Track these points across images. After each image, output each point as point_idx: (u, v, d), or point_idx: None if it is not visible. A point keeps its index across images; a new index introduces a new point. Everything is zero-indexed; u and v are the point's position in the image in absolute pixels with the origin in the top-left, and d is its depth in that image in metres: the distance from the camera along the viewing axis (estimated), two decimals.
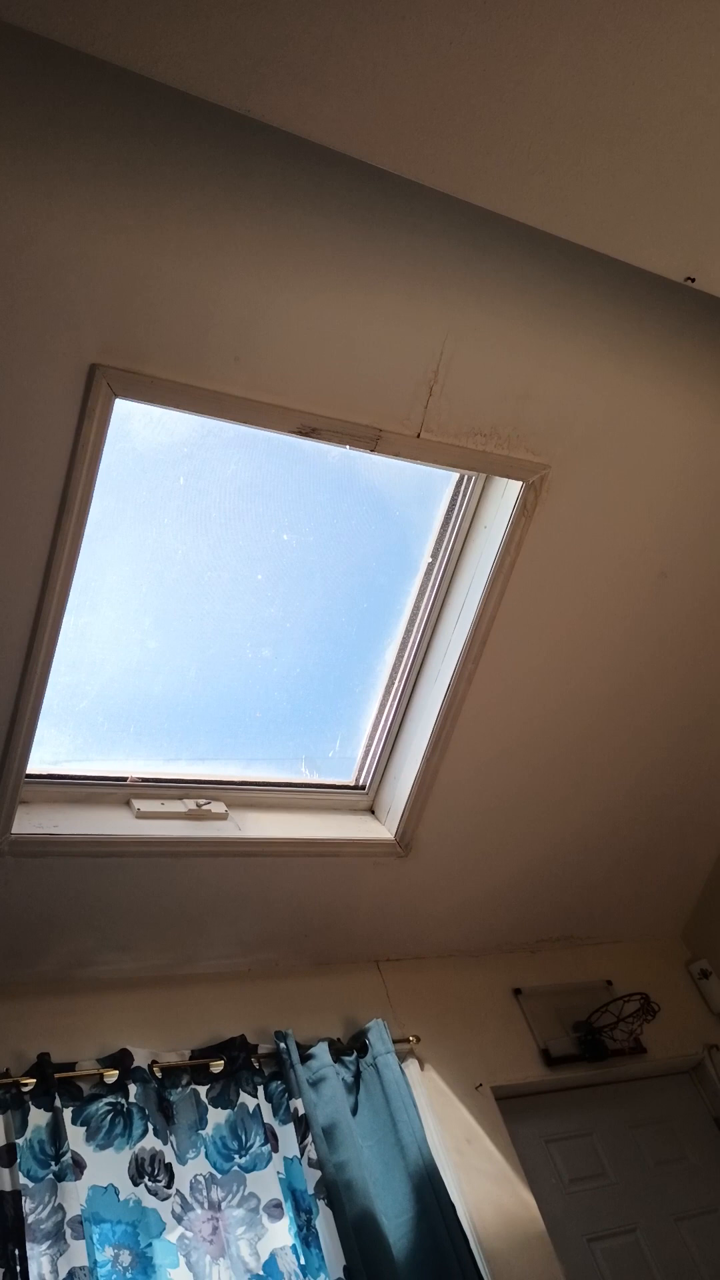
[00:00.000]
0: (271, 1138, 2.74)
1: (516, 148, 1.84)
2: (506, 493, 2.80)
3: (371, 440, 2.49)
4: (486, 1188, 2.97)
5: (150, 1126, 2.62)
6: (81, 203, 1.93)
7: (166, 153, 1.94)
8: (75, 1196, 2.42)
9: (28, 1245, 2.32)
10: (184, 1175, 2.61)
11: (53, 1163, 2.46)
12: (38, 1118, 2.53)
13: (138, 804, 2.90)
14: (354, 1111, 2.88)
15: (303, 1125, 2.73)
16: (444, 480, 2.88)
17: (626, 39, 1.65)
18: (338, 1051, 2.99)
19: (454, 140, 1.83)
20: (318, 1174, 2.64)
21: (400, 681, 3.16)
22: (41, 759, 2.77)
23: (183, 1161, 2.63)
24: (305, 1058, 2.92)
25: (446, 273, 2.31)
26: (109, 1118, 2.62)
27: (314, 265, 2.18)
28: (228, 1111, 2.77)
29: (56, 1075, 2.60)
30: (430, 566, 3.00)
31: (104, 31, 1.61)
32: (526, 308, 2.44)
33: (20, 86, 1.78)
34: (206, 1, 1.56)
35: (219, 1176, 2.66)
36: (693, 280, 2.21)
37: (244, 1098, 2.78)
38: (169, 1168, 2.58)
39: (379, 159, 1.90)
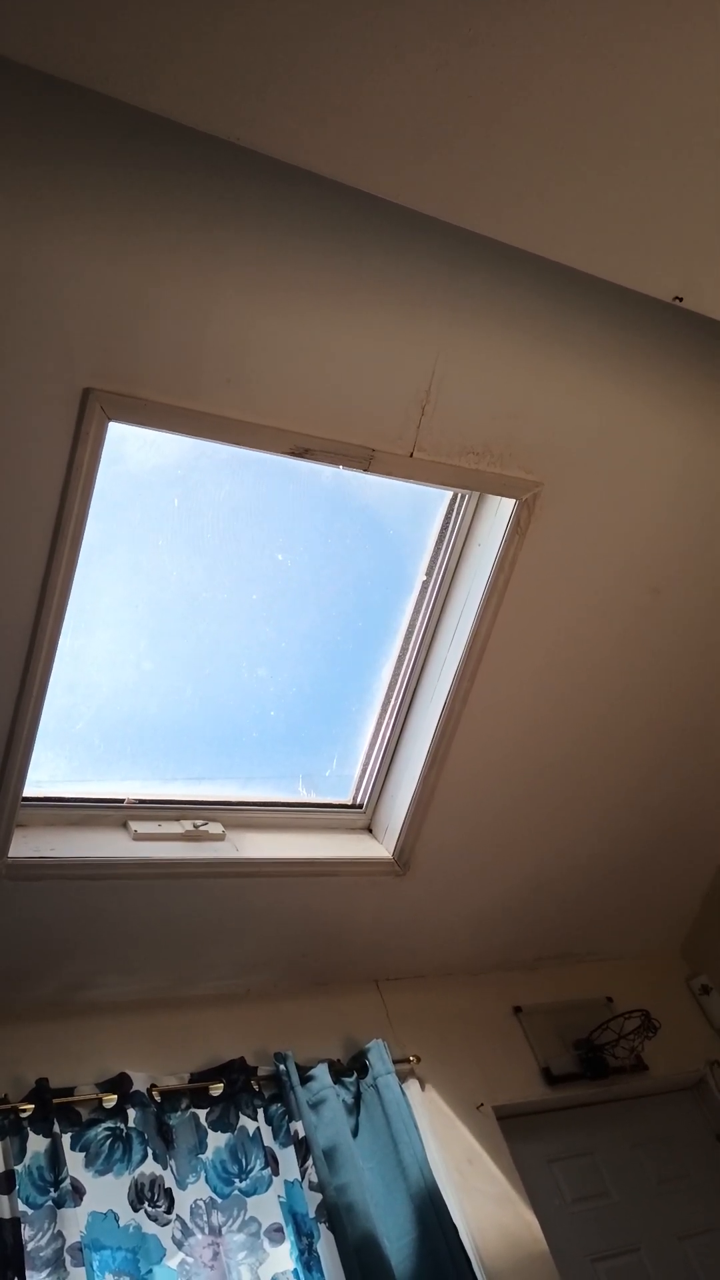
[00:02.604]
0: (272, 1161, 2.73)
1: (504, 173, 1.86)
2: (500, 510, 2.81)
3: (365, 460, 2.50)
4: (489, 1209, 2.95)
5: (150, 1151, 2.60)
6: (72, 228, 1.94)
7: (156, 177, 1.95)
8: (75, 1223, 2.40)
9: (28, 1273, 2.31)
10: (184, 1200, 2.59)
11: (52, 1189, 2.44)
12: (36, 1144, 2.51)
13: (135, 826, 2.90)
14: (355, 1133, 2.87)
15: (303, 1148, 2.72)
16: (438, 499, 2.89)
17: (611, 66, 1.67)
18: (338, 1073, 2.98)
19: (442, 165, 1.85)
20: (319, 1197, 2.63)
21: (396, 699, 3.16)
22: (38, 782, 2.77)
23: (183, 1186, 2.61)
24: (305, 1079, 2.90)
25: (437, 293, 2.33)
26: (108, 1143, 2.61)
27: (305, 287, 2.20)
28: (227, 1135, 2.75)
29: (55, 1100, 2.59)
30: (425, 584, 3.01)
31: (94, 63, 1.62)
32: (517, 327, 2.46)
33: (6, 115, 1.79)
34: (194, 32, 1.58)
35: (219, 1201, 2.64)
36: (681, 300, 2.23)
37: (244, 1121, 2.77)
38: (169, 1193, 2.56)
39: (368, 184, 1.91)
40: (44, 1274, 2.34)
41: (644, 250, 2.09)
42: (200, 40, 1.59)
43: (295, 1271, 2.58)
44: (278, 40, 1.60)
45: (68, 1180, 2.46)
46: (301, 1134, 2.74)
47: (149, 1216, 2.51)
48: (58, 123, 1.83)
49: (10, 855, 2.63)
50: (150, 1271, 2.43)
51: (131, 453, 2.49)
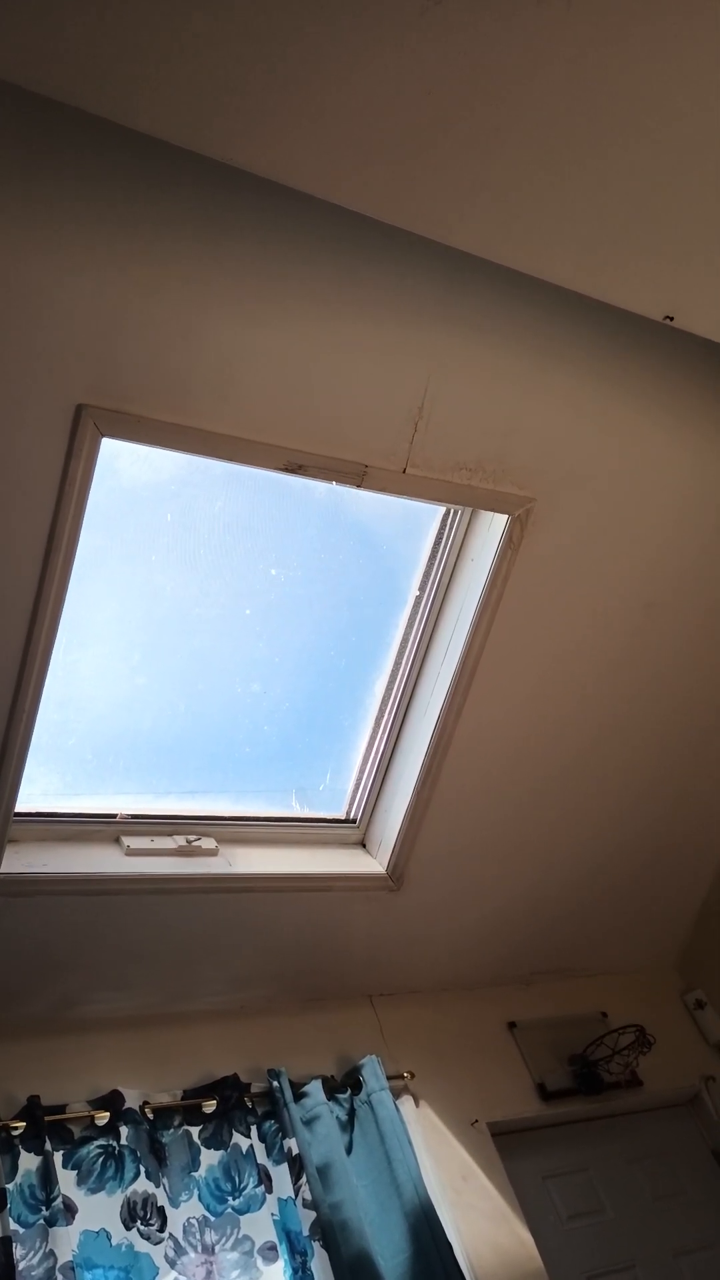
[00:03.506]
0: (265, 1178, 2.71)
1: (494, 193, 1.87)
2: (492, 526, 2.82)
3: (358, 476, 2.51)
4: (483, 1226, 2.94)
5: (142, 1169, 2.59)
6: (64, 244, 1.95)
7: (149, 192, 1.97)
8: (67, 1242, 2.39)
9: None
10: (177, 1218, 2.57)
11: (43, 1207, 2.43)
12: (28, 1162, 2.50)
13: (127, 841, 2.89)
14: (349, 1150, 2.85)
15: (297, 1165, 2.70)
16: (430, 514, 2.90)
17: (597, 86, 1.68)
18: (331, 1089, 2.96)
19: (430, 187, 1.86)
20: (312, 1215, 2.61)
21: (390, 714, 3.16)
22: (30, 797, 2.76)
23: (175, 1204, 2.60)
24: (299, 1096, 2.89)
25: (430, 309, 2.35)
26: (100, 1160, 2.59)
27: (298, 303, 2.21)
28: (220, 1152, 2.74)
29: (47, 1118, 2.58)
30: (418, 599, 3.02)
31: (75, 80, 1.62)
32: (511, 343, 2.47)
33: None
34: (174, 50, 1.58)
35: (212, 1219, 2.63)
36: (671, 319, 2.24)
37: (237, 1138, 2.75)
38: (161, 1211, 2.54)
39: (357, 205, 1.92)
40: None
41: (634, 270, 2.11)
42: (175, 56, 1.59)
43: None
44: (256, 55, 1.60)
45: (59, 1198, 2.44)
46: (295, 1151, 2.73)
47: (141, 1235, 2.49)
48: (47, 138, 1.84)
49: (2, 871, 2.63)
50: None
51: (125, 468, 2.50)
